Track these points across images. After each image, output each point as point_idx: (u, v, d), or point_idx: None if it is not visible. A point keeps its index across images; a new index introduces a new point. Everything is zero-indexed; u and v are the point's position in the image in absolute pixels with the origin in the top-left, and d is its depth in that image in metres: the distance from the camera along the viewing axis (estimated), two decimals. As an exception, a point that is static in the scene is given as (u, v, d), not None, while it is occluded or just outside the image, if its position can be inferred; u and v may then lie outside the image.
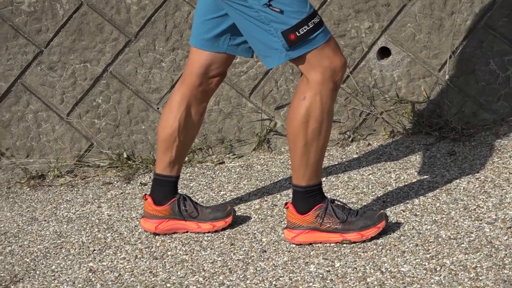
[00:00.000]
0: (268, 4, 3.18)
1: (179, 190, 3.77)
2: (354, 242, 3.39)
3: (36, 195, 4.42)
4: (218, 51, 3.53)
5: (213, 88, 3.63)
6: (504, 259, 3.11)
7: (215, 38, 3.51)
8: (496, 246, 3.21)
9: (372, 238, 3.39)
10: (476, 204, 3.56)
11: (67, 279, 3.50)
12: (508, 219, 3.39)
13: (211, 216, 3.69)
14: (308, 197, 3.42)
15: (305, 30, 3.20)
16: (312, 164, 3.38)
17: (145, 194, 3.72)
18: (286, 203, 3.49)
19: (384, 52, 4.57)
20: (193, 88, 3.58)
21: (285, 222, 3.52)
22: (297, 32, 3.20)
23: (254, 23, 3.25)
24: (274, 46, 3.24)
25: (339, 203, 3.47)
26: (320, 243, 3.45)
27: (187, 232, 3.71)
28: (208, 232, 3.67)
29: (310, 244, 3.46)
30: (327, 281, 3.17)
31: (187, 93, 3.58)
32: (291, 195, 3.49)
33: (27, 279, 3.54)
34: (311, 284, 3.17)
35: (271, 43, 3.24)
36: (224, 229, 3.67)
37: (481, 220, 3.42)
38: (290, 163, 4.26)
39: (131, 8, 4.76)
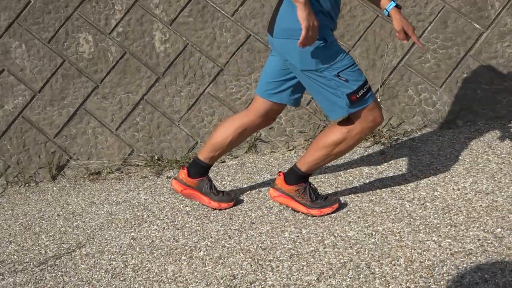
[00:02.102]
0: (337, 75, 3.12)
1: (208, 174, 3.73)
2: (315, 216, 3.36)
3: (94, 185, 4.39)
4: (280, 102, 3.44)
5: (268, 125, 3.56)
6: (420, 226, 3.09)
7: (279, 93, 3.41)
8: (413, 217, 3.19)
9: (327, 214, 3.36)
10: (399, 188, 3.53)
11: (116, 244, 3.47)
12: (421, 198, 3.37)
13: (219, 198, 3.65)
14: (298, 177, 3.40)
15: (361, 93, 3.15)
16: (316, 163, 3.34)
17: (184, 166, 3.66)
18: (279, 172, 3.46)
19: (335, 83, 4.54)
20: (253, 123, 3.51)
21: (267, 203, 3.50)
22: (357, 94, 3.14)
23: (325, 88, 3.17)
24: (339, 104, 3.16)
25: (313, 186, 3.44)
26: (291, 208, 3.42)
27: (198, 201, 3.69)
28: (215, 209, 3.64)
29: (284, 205, 3.44)
30: (296, 243, 3.14)
31: (246, 125, 3.50)
32: (285, 170, 3.43)
33: (88, 245, 3.51)
34: (285, 245, 3.15)
35: (337, 102, 3.16)
36: (226, 209, 3.64)
37: (403, 199, 3.40)
38: (269, 161, 4.27)
39: (159, 55, 4.73)
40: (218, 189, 3.85)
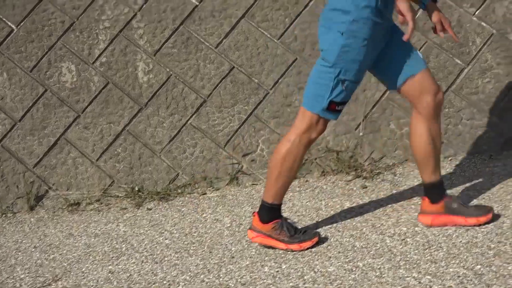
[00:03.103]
0: (343, 81, 3.14)
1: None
2: (295, 251, 3.34)
3: (73, 217, 4.34)
4: (412, 73, 3.24)
5: (439, 103, 3.30)
6: (400, 262, 3.07)
7: (399, 71, 3.26)
8: (394, 252, 3.17)
9: (307, 248, 3.33)
10: (380, 223, 3.52)
11: (93, 278, 3.42)
12: (402, 233, 3.36)
13: (476, 212, 3.24)
14: (271, 212, 3.36)
15: (340, 108, 3.21)
16: (280, 189, 3.33)
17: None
18: (254, 212, 3.43)
19: (318, 117, 4.55)
20: (427, 107, 3.28)
21: (248, 237, 3.47)
22: (337, 107, 3.20)
23: (324, 82, 3.18)
24: (320, 102, 3.19)
25: (290, 221, 3.42)
26: (271, 247, 3.39)
27: (455, 225, 3.29)
28: (471, 225, 3.24)
29: (264, 245, 3.40)
30: (276, 279, 3.11)
31: (425, 120, 3.29)
32: (258, 208, 3.41)
33: (64, 278, 3.46)
34: (265, 280, 3.11)
35: (320, 100, 3.18)
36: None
37: (384, 234, 3.39)
38: (251, 194, 4.25)
39: (143, 86, 4.72)
40: (191, 224, 3.82)
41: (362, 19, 3.08)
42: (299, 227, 3.48)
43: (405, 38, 3.06)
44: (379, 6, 3.09)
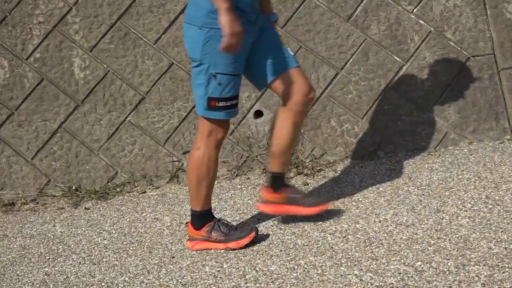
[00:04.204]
0: (214, 74, 3.11)
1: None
2: (234, 249, 3.30)
3: (7, 217, 4.20)
4: (278, 74, 3.28)
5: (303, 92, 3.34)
6: (341, 259, 3.07)
7: (274, 65, 3.29)
8: (335, 250, 3.17)
9: (246, 245, 3.30)
10: (322, 220, 3.51)
11: (28, 281, 3.30)
12: (343, 230, 3.36)
13: (309, 201, 3.41)
14: (201, 218, 3.36)
15: (222, 105, 3.16)
16: (203, 195, 3.31)
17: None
18: (187, 222, 3.41)
19: (258, 114, 4.53)
20: (292, 102, 3.34)
21: (188, 247, 3.41)
22: (217, 103, 3.16)
23: (200, 81, 3.17)
24: (202, 101, 3.18)
25: (224, 221, 3.39)
26: (211, 249, 3.35)
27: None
28: (310, 214, 3.40)
29: (205, 250, 3.35)
30: (217, 278, 3.07)
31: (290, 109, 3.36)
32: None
33: (-2, 281, 3.34)
34: (206, 280, 3.07)
35: (202, 99, 3.18)
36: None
37: (325, 231, 3.38)
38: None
39: (79, 82, 4.60)
40: (130, 223, 3.76)
41: (217, 10, 3.01)
42: (234, 224, 3.45)
43: (220, 48, 3.00)
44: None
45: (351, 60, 4.53)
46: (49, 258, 3.52)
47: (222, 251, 3.31)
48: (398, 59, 4.52)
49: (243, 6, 3.12)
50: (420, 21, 4.55)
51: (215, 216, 3.43)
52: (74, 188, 4.38)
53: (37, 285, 3.23)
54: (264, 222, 3.59)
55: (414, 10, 4.57)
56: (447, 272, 2.80)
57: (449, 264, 2.86)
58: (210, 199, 3.36)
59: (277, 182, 3.46)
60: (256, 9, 3.22)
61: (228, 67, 3.13)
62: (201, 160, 3.24)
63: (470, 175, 3.80)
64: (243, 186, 4.20)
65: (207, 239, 3.34)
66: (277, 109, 3.41)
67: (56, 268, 3.39)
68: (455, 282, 2.72)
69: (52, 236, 3.81)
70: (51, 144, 4.51)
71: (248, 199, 3.96)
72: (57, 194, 4.37)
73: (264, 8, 3.32)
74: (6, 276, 3.38)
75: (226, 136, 3.32)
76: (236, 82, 3.19)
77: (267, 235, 3.41)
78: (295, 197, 3.42)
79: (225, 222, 3.38)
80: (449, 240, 3.08)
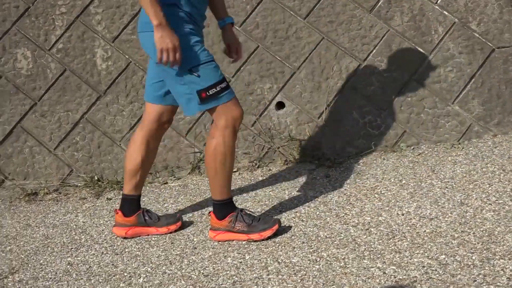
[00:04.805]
0: (190, 70, 3.14)
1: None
2: (256, 241, 3.29)
3: (30, 207, 4.22)
4: (165, 104, 3.43)
5: (166, 129, 3.53)
6: (364, 252, 3.05)
7: (162, 95, 3.41)
8: (358, 242, 3.15)
9: (269, 237, 3.29)
10: (344, 212, 3.50)
11: (51, 270, 3.32)
12: (366, 223, 3.34)
13: (166, 222, 3.55)
14: (223, 208, 3.35)
15: (213, 92, 3.17)
16: (222, 185, 3.30)
17: (116, 209, 3.56)
18: (210, 212, 3.40)
19: (280, 105, 4.51)
20: (151, 131, 3.46)
21: (210, 237, 3.41)
22: (207, 92, 3.16)
23: (178, 83, 3.20)
24: (192, 100, 3.20)
25: (247, 211, 3.38)
26: (233, 240, 3.34)
27: (148, 235, 3.55)
28: (165, 233, 3.52)
29: (226, 241, 3.35)
30: (239, 269, 3.06)
31: (146, 135, 3.46)
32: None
33: (22, 270, 3.35)
34: (228, 272, 3.06)
35: (191, 98, 3.20)
36: (176, 230, 3.53)
37: (348, 224, 3.36)
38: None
39: (101, 73, 4.61)
40: (158, 213, 3.76)
41: (166, 11, 3.11)
42: (257, 216, 3.44)
43: (156, 61, 3.13)
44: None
45: (374, 51, 4.49)
46: (72, 248, 3.54)
47: (243, 242, 3.31)
48: (421, 50, 4.47)
49: (195, 16, 3.25)
50: (444, 12, 4.50)
51: (237, 206, 3.42)
52: (96, 178, 4.39)
53: (60, 275, 3.25)
54: (285, 214, 3.58)
55: (438, 1, 4.52)
56: (472, 266, 2.77)
57: (473, 257, 2.83)
58: (229, 188, 3.35)
59: (129, 205, 3.54)
60: (204, 16, 3.35)
61: (198, 57, 3.16)
62: (217, 148, 3.25)
63: (495, 168, 3.75)
64: (264, 178, 4.19)
65: (230, 229, 3.33)
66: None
67: (78, 258, 3.40)
68: (480, 276, 2.69)
69: (74, 226, 3.83)
70: (74, 134, 4.53)
71: (270, 191, 3.95)
72: (79, 184, 4.39)
73: (219, 12, 3.47)
74: (29, 265, 3.40)
75: (242, 121, 3.32)
76: (213, 67, 3.20)
77: (289, 227, 3.40)
78: (146, 219, 3.54)
79: (249, 212, 3.38)
80: (474, 233, 3.05)
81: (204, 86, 3.16)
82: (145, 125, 3.47)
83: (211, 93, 3.17)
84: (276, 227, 3.31)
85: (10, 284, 3.22)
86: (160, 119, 3.45)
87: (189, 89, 3.18)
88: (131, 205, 3.55)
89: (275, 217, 3.44)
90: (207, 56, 3.19)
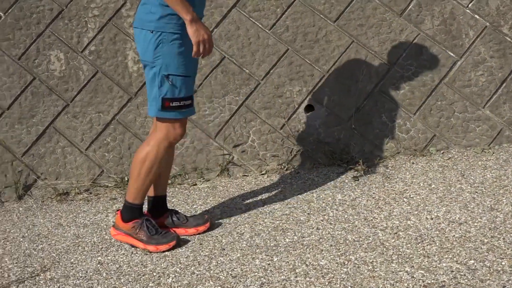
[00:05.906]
0: (167, 76, 3.21)
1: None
2: (151, 252, 3.39)
3: (61, 206, 4.28)
4: None
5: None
6: (392, 256, 3.04)
7: None
8: (386, 246, 3.14)
9: (164, 251, 3.37)
10: (373, 216, 3.49)
11: (82, 269, 3.36)
12: (394, 227, 3.33)
13: (194, 223, 3.58)
14: (130, 211, 3.44)
15: (176, 105, 3.25)
16: (139, 189, 3.38)
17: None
18: (117, 210, 3.51)
19: (309, 108, 4.52)
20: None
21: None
22: (171, 103, 3.24)
23: (152, 83, 3.25)
24: (156, 103, 3.26)
25: (152, 222, 3.45)
26: (131, 245, 3.46)
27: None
28: (193, 234, 3.55)
29: (125, 242, 3.48)
30: (267, 271, 3.08)
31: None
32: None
33: (53, 269, 3.40)
34: (256, 273, 3.08)
35: (155, 100, 3.25)
36: (204, 231, 3.56)
37: (376, 227, 3.36)
38: (242, 185, 4.21)
39: (132, 75, 4.66)
40: (187, 214, 3.80)
41: (168, 15, 3.17)
42: (161, 230, 3.46)
43: (192, 55, 3.18)
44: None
45: (404, 55, 4.48)
46: (102, 248, 3.58)
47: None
48: (452, 54, 4.45)
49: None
50: (476, 15, 4.47)
51: (144, 214, 3.48)
52: (126, 179, 4.44)
53: (91, 273, 3.29)
54: (314, 216, 3.58)
55: (470, 5, 4.49)
56: (501, 272, 2.75)
57: (503, 263, 2.81)
58: (144, 195, 3.42)
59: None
60: (203, 15, 3.39)
61: (180, 68, 3.22)
62: (149, 156, 3.31)
63: (525, 173, 3.72)
64: (293, 180, 4.20)
65: (131, 234, 3.43)
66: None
67: (109, 257, 3.45)
68: (510, 281, 2.67)
69: (105, 226, 3.87)
70: (105, 135, 4.59)
71: (298, 194, 3.96)
72: (109, 185, 4.44)
73: None
74: (60, 263, 3.45)
75: (184, 137, 3.40)
76: (189, 83, 3.28)
77: (317, 229, 3.41)
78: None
79: (153, 223, 3.45)
80: (503, 239, 3.03)
81: (170, 96, 3.22)
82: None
83: (174, 105, 3.24)
84: (173, 242, 3.40)
85: (41, 282, 3.28)
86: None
87: (158, 93, 3.24)
88: (157, 207, 3.60)
89: (175, 234, 3.45)
90: (188, 70, 3.25)
